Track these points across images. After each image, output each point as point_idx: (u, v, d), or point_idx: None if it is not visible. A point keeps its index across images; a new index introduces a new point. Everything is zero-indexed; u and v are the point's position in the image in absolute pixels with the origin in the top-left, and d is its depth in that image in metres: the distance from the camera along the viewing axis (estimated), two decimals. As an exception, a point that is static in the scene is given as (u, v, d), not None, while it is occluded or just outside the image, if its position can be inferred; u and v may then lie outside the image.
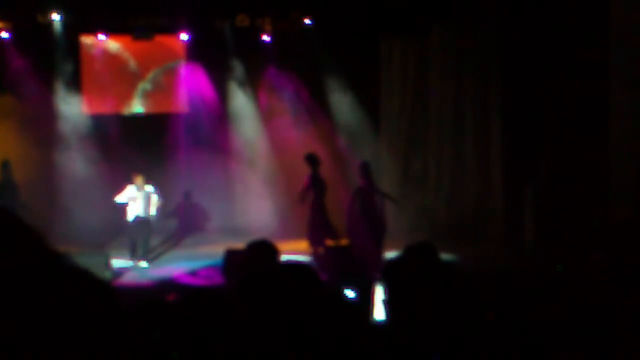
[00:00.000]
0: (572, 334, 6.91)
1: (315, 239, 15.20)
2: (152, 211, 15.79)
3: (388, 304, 3.62)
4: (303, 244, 15.88)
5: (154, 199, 15.70)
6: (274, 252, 5.10)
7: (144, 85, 19.20)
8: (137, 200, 15.46)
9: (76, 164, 17.97)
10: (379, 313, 5.71)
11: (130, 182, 15.51)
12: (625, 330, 6.61)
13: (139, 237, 15.56)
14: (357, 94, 18.62)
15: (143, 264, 15.44)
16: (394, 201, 15.56)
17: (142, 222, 15.55)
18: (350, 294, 6.30)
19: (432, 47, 18.45)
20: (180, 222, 18.55)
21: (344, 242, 14.94)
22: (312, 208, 15.26)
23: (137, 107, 19.25)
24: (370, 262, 13.01)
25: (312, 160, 15.12)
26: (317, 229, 15.18)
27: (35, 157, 17.57)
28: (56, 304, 2.80)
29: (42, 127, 17.98)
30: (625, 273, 11.55)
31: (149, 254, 15.84)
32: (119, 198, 15.49)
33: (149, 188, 15.60)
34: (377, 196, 15.21)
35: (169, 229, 18.09)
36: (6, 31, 17.37)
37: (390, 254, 14.22)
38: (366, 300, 5.90)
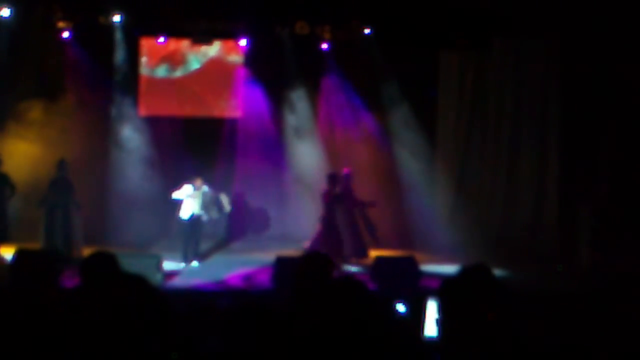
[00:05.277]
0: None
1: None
2: (227, 207, 15.95)
3: (442, 322, 3.56)
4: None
5: (224, 199, 15.88)
6: (328, 265, 5.05)
7: (200, 88, 19.25)
8: (194, 199, 15.55)
9: (130, 165, 18.07)
10: (430, 329, 5.63)
11: (189, 182, 15.62)
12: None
13: (192, 236, 15.65)
14: (413, 105, 18.47)
15: (194, 263, 15.53)
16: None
17: (196, 221, 15.65)
18: (401, 308, 6.21)
19: (491, 61, 18.26)
20: (231, 223, 18.53)
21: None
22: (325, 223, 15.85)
23: (192, 110, 19.29)
24: None
25: (331, 178, 15.78)
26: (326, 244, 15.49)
27: (90, 157, 17.68)
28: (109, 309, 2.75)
29: (98, 127, 18.11)
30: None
31: (200, 254, 15.90)
32: (176, 194, 15.58)
33: (206, 189, 15.70)
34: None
35: (219, 230, 18.10)
36: (67, 31, 17.52)
37: (444, 267, 14.13)
38: (417, 315, 5.81)
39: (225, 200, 15.91)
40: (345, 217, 15.71)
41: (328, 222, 15.52)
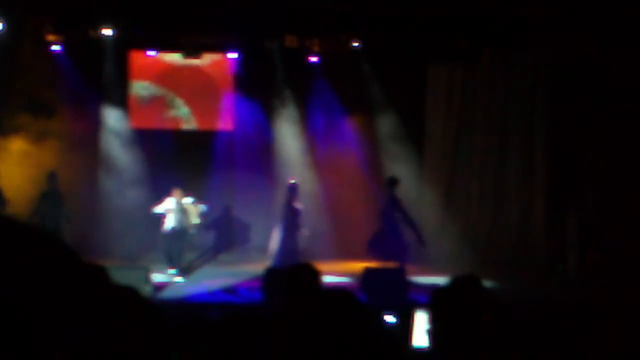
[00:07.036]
0: None
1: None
2: (195, 219, 15.87)
3: (433, 333, 3.61)
4: (343, 265, 15.92)
5: (198, 208, 15.83)
6: (315, 275, 5.09)
7: (190, 101, 19.28)
8: (174, 212, 15.56)
9: (121, 177, 18.08)
10: (419, 340, 5.67)
11: (170, 195, 15.63)
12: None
13: (174, 249, 15.63)
14: (401, 117, 18.56)
15: (178, 278, 15.46)
16: None
17: (177, 234, 15.63)
18: (390, 319, 6.26)
19: (479, 72, 18.37)
20: (219, 235, 18.54)
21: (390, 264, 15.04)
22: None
23: (181, 123, 19.33)
24: None
25: (392, 182, 15.65)
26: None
27: (79, 169, 17.69)
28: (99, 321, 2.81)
29: (88, 140, 18.14)
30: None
31: (181, 267, 15.84)
32: (157, 209, 15.62)
33: (187, 201, 15.70)
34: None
35: (208, 243, 18.11)
36: (58, 44, 17.50)
37: (433, 279, 14.16)
38: (406, 326, 5.85)
39: (192, 209, 15.88)
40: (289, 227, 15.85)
41: (391, 226, 15.50)
